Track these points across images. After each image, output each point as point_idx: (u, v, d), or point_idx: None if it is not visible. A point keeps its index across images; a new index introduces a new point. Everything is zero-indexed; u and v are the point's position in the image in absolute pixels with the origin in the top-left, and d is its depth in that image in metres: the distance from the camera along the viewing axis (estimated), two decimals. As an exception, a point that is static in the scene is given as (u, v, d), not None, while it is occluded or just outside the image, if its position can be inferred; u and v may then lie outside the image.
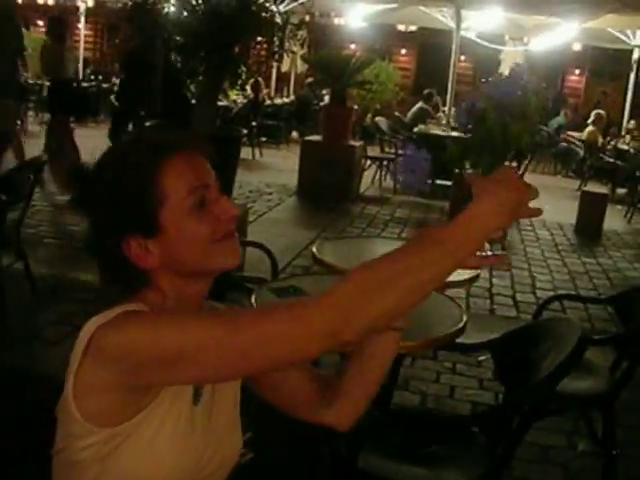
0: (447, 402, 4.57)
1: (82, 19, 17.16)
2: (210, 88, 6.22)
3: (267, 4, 6.15)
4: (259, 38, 6.33)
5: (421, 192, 11.15)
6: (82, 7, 16.86)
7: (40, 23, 21.78)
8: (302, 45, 6.59)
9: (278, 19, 6.29)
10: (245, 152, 12.05)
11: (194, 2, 5.97)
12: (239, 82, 6.36)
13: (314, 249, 3.98)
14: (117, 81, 18.34)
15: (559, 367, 2.62)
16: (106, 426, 1.40)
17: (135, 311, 1.41)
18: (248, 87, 15.57)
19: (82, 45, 17.75)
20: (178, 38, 5.98)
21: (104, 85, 18.24)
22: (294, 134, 17.13)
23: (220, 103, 9.23)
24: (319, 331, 1.25)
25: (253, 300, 3.03)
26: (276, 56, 6.57)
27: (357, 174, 11.26)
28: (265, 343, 1.28)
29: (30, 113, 15.72)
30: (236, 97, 15.80)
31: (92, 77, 19.04)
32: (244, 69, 6.20)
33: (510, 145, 1.44)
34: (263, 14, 6.12)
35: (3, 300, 5.05)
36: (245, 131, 11.23)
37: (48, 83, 10.37)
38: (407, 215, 10.22)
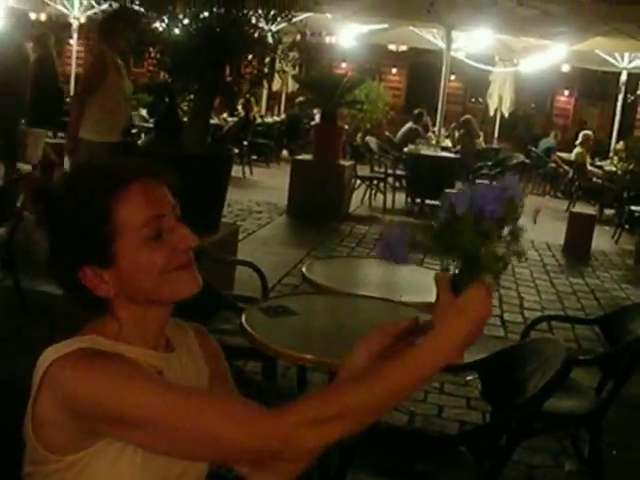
0: (435, 421, 4.60)
1: (74, 35, 17.16)
2: (202, 107, 6.26)
3: (259, 23, 6.19)
4: (250, 57, 6.36)
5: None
6: (74, 24, 16.88)
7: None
8: (294, 66, 6.62)
9: (270, 39, 6.33)
10: (235, 170, 12.05)
11: (186, 21, 6.01)
12: (231, 102, 6.38)
13: (304, 269, 4.02)
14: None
15: (545, 387, 2.66)
16: (66, 454, 1.39)
17: (94, 353, 1.38)
18: (239, 106, 15.63)
19: (74, 61, 17.76)
20: (168, 57, 6.00)
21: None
22: (284, 153, 17.19)
23: (211, 121, 9.24)
24: (269, 450, 1.31)
25: (243, 319, 3.06)
26: (267, 76, 6.60)
27: (347, 193, 11.31)
28: (219, 444, 1.32)
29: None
30: (227, 115, 15.86)
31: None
32: (236, 88, 6.23)
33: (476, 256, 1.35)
34: (255, 33, 6.16)
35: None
36: (236, 150, 11.27)
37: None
38: (396, 234, 10.25)
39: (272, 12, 6.13)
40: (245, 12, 6.00)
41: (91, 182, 1.44)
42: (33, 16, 19.19)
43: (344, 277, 4.33)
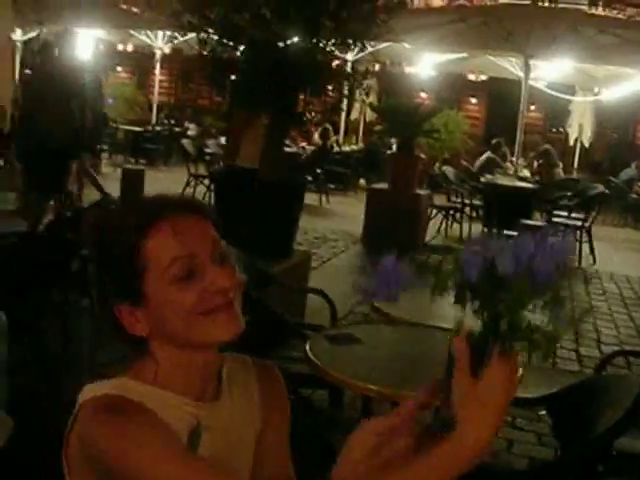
0: (504, 456, 4.50)
1: (157, 65, 17.62)
2: (275, 135, 6.32)
3: (336, 52, 6.24)
4: (326, 86, 6.41)
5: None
6: (158, 53, 17.32)
7: (119, 69, 22.43)
8: (367, 94, 6.66)
9: (348, 67, 6.38)
10: (312, 198, 12.16)
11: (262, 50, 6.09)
12: (304, 129, 6.48)
13: (372, 297, 3.99)
14: (190, 125, 18.80)
15: (615, 424, 2.58)
16: None
17: (120, 406, 1.33)
18: (316, 134, 15.74)
19: (157, 90, 18.21)
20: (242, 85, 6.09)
21: (176, 129, 18.66)
22: (361, 181, 17.22)
23: (288, 149, 9.32)
24: None
25: (308, 347, 3.05)
26: (343, 105, 6.65)
27: (423, 223, 11.24)
28: None
29: (104, 155, 16.06)
30: (305, 144, 15.99)
31: (165, 121, 19.53)
32: (309, 117, 6.29)
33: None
34: (331, 62, 6.21)
35: (68, 337, 5.16)
36: (311, 178, 11.33)
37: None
38: (472, 264, 10.13)
39: (347, 41, 6.17)
40: (318, 41, 6.04)
41: (122, 217, 1.42)
42: (120, 47, 19.78)
43: (413, 307, 4.29)
